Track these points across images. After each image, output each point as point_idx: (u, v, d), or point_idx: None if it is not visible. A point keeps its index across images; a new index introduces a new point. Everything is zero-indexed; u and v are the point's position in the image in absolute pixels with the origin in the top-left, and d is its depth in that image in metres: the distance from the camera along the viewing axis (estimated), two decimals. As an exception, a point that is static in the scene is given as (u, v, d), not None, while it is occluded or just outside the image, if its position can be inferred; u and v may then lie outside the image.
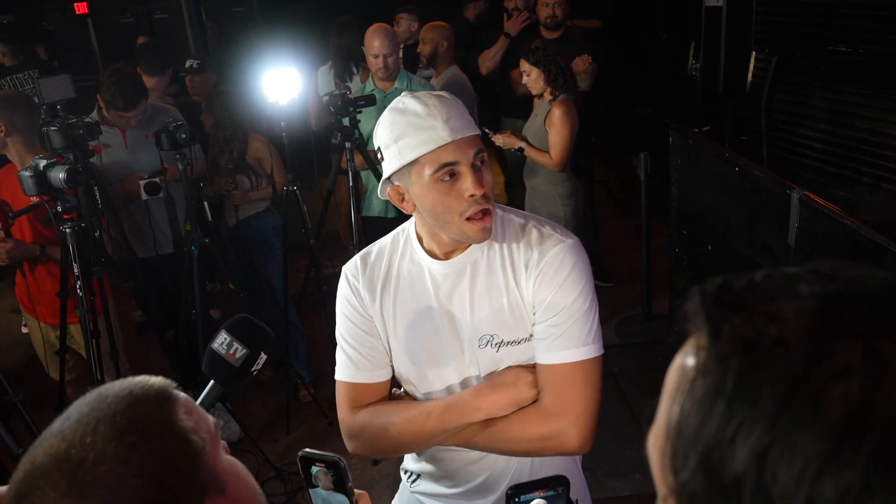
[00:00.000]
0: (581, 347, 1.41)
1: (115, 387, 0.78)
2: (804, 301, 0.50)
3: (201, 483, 0.77)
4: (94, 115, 3.44)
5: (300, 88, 3.30)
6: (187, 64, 4.44)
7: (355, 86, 4.04)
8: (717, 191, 3.19)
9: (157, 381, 0.80)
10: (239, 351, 1.17)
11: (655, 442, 0.57)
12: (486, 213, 1.38)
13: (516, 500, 1.12)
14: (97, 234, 2.84)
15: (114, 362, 2.97)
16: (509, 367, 1.46)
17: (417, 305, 1.48)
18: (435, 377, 1.50)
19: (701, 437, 0.50)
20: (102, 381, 2.92)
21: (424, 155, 1.34)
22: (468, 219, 1.38)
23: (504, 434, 1.41)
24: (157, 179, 3.20)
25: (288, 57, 3.59)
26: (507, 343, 1.44)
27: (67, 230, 2.67)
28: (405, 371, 1.53)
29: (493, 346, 1.44)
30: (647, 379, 3.82)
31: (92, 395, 0.77)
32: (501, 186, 5.98)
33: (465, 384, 1.49)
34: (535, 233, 1.45)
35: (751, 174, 2.83)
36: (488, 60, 4.80)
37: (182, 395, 0.81)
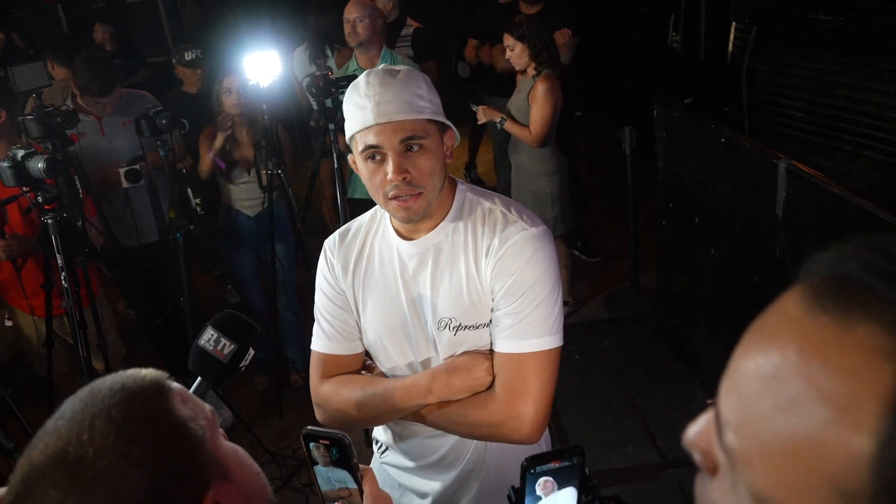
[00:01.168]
0: (537, 338, 1.40)
1: (107, 381, 0.77)
2: None
3: (204, 471, 0.77)
4: (69, 102, 3.37)
5: (280, 70, 3.25)
6: (189, 56, 4.02)
7: (333, 68, 3.99)
8: (702, 163, 3.19)
9: (148, 372, 0.79)
10: (227, 347, 1.16)
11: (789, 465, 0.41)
12: (410, 197, 1.37)
13: (532, 471, 1.11)
14: (79, 223, 2.79)
15: (102, 352, 2.94)
16: (466, 353, 1.45)
17: (385, 283, 1.50)
18: (398, 354, 1.52)
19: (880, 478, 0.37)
20: (91, 372, 2.91)
21: (355, 134, 1.38)
22: (391, 198, 1.38)
23: (456, 416, 1.42)
24: (137, 167, 3.15)
25: (267, 39, 3.52)
26: (465, 327, 1.44)
27: (49, 221, 2.62)
28: (372, 346, 1.56)
29: (452, 329, 1.44)
30: (637, 353, 3.85)
31: (84, 392, 0.76)
32: (490, 164, 5.96)
33: (425, 364, 1.50)
34: (499, 217, 1.43)
35: (737, 145, 2.83)
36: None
37: (175, 384, 0.80)
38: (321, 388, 1.54)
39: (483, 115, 3.90)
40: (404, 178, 1.35)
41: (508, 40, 3.69)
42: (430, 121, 1.37)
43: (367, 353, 1.59)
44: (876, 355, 0.38)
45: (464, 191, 1.49)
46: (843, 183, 2.39)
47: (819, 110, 4.49)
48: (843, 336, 0.40)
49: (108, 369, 3.03)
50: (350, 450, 1.16)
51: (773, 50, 4.94)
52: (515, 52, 3.70)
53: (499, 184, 5.13)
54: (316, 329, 1.57)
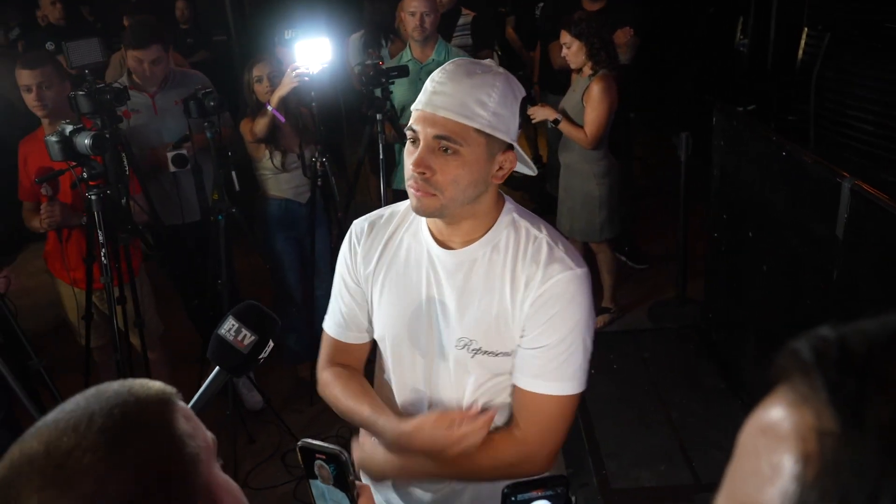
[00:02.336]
0: (567, 381, 1.36)
1: (115, 384, 0.75)
2: None
3: (193, 491, 0.73)
4: (124, 79, 3.40)
5: (331, 58, 3.21)
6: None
7: (386, 58, 3.94)
8: (761, 175, 3.05)
9: (157, 384, 0.77)
10: (248, 338, 1.13)
11: None
12: (424, 192, 1.31)
13: (513, 499, 1.05)
14: (124, 201, 2.81)
15: (138, 329, 2.96)
16: (427, 427, 1.34)
17: (407, 282, 1.44)
18: (407, 358, 1.47)
19: None
20: (127, 348, 2.94)
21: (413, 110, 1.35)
22: (410, 185, 1.33)
23: (474, 462, 1.36)
24: (183, 151, 3.17)
25: (320, 25, 3.49)
26: (485, 352, 1.39)
27: (93, 197, 2.65)
28: (381, 341, 1.52)
29: (470, 351, 1.39)
30: (679, 365, 3.73)
31: (91, 390, 0.74)
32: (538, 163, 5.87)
33: (431, 378, 1.45)
34: (545, 250, 1.37)
35: (798, 160, 2.69)
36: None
37: (182, 403, 0.78)
38: (322, 373, 1.58)
39: (538, 113, 3.82)
40: (423, 174, 1.30)
41: (565, 37, 3.59)
42: (482, 132, 1.29)
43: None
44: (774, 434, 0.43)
45: (510, 211, 1.42)
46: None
47: (891, 124, 4.28)
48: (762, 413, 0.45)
49: (144, 346, 3.06)
50: (347, 467, 1.11)
51: (845, 58, 4.72)
52: (572, 50, 3.60)
53: (549, 182, 5.03)
54: (330, 306, 1.58)
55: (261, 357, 1.15)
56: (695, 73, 6.67)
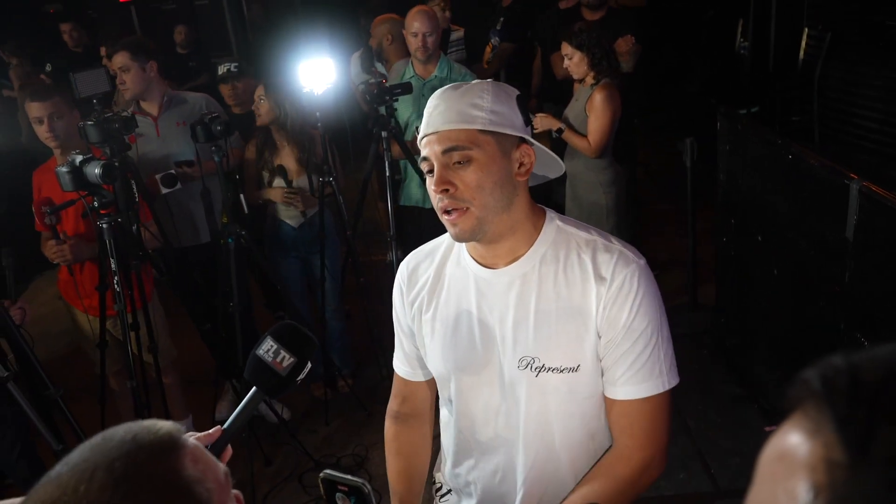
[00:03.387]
0: (657, 379, 1.33)
1: (121, 430, 0.74)
2: None
3: None
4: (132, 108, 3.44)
5: (335, 77, 3.24)
6: (221, 70, 3.76)
7: (385, 74, 3.97)
8: (767, 179, 3.05)
9: (165, 425, 0.76)
10: (287, 360, 1.12)
11: None
12: (453, 211, 1.30)
13: None
14: (134, 228, 2.84)
15: (153, 355, 2.98)
16: None
17: (458, 313, 1.41)
18: (470, 393, 1.43)
19: None
20: (142, 374, 2.95)
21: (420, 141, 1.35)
22: (443, 213, 1.32)
23: (605, 499, 1.34)
24: (172, 171, 3.20)
25: (323, 45, 3.52)
26: (549, 369, 1.34)
27: (104, 225, 2.67)
28: (439, 380, 1.51)
29: (534, 369, 1.34)
30: (693, 372, 3.71)
31: (96, 439, 0.74)
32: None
33: (500, 407, 1.41)
34: (602, 250, 1.33)
35: (805, 162, 2.69)
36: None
37: (191, 441, 0.77)
38: (387, 419, 1.64)
39: (540, 123, 3.82)
40: (446, 191, 1.28)
41: (567, 49, 3.60)
42: (486, 132, 1.28)
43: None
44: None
45: (553, 219, 1.39)
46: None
47: (894, 121, 4.26)
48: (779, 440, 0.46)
49: (159, 371, 3.08)
50: (369, 498, 1.11)
51: (847, 58, 4.71)
52: (574, 61, 3.61)
53: (554, 192, 5.03)
54: (396, 344, 1.60)
55: (299, 378, 1.14)
56: (698, 77, 6.67)
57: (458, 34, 4.82)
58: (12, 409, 2.52)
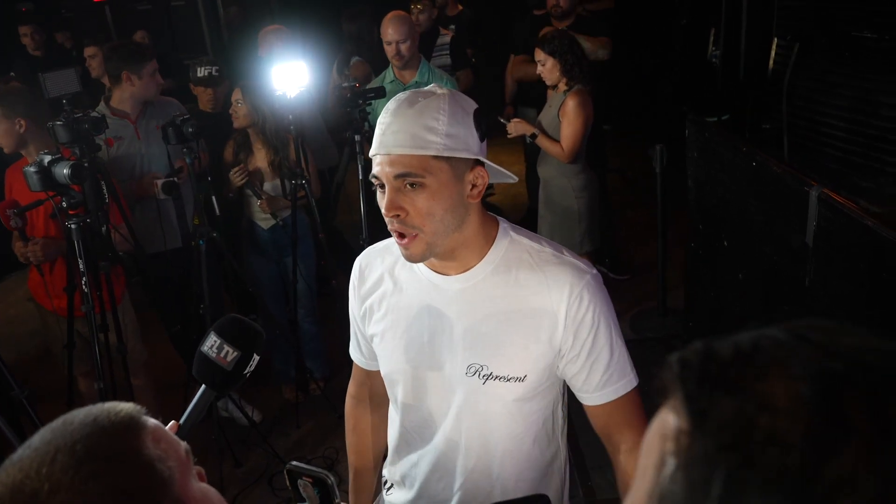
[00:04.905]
0: (629, 374, 1.40)
1: (81, 413, 0.75)
2: (799, 384, 0.44)
3: None
4: (102, 106, 3.42)
5: (308, 80, 3.25)
6: (201, 72, 3.71)
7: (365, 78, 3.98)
8: (734, 185, 3.10)
9: (125, 407, 0.77)
10: (230, 354, 1.12)
11: None
12: (403, 236, 1.30)
13: None
14: (104, 228, 2.82)
15: (121, 356, 2.96)
16: None
17: (408, 315, 1.42)
18: (417, 393, 1.45)
19: None
20: (110, 375, 2.93)
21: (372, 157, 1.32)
22: (394, 234, 1.32)
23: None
24: (174, 179, 3.18)
25: (297, 48, 3.53)
26: (496, 377, 1.35)
27: (73, 226, 2.65)
28: (386, 377, 1.51)
29: (481, 377, 1.35)
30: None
31: (57, 422, 0.75)
32: (520, 177, 5.91)
33: (445, 411, 1.43)
34: (555, 262, 1.34)
35: (768, 169, 2.75)
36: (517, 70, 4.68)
37: (152, 421, 0.78)
38: (348, 398, 1.70)
39: (514, 128, 3.86)
40: (397, 216, 1.28)
41: (540, 55, 3.64)
42: (438, 157, 1.25)
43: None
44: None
45: (507, 231, 1.39)
46: (883, 208, 2.30)
47: (862, 130, 4.34)
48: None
49: (127, 373, 3.06)
50: (332, 490, 1.13)
51: (815, 67, 4.81)
52: (547, 67, 3.65)
53: (530, 199, 5.08)
54: (351, 335, 1.62)
55: (246, 372, 1.13)
56: (671, 84, 6.75)
57: (444, 38, 4.83)
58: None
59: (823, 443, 0.42)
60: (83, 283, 2.69)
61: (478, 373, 1.36)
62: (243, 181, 3.40)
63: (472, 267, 1.36)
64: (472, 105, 1.33)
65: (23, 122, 2.89)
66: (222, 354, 1.11)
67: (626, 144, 6.50)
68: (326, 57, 4.35)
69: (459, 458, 1.44)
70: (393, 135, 1.25)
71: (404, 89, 3.59)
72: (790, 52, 4.98)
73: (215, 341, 1.12)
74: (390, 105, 1.30)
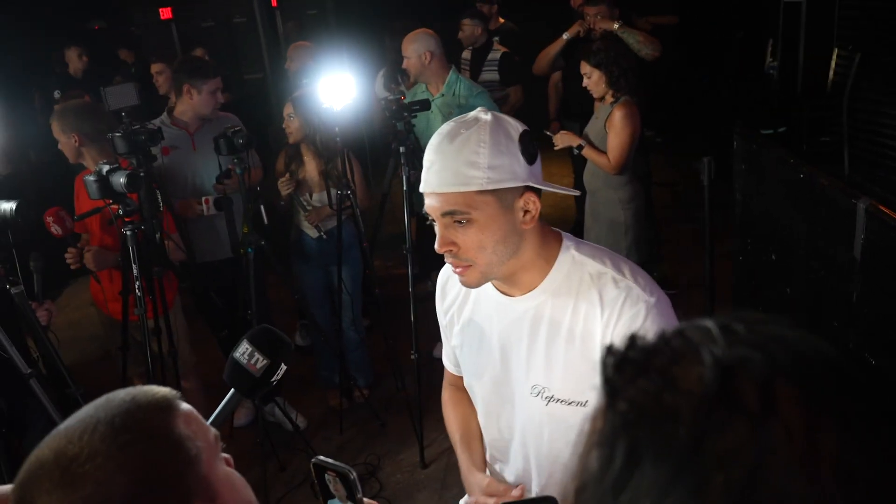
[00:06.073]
0: None
1: (122, 392, 0.83)
2: (703, 368, 0.47)
3: (189, 489, 0.81)
4: (164, 116, 3.56)
5: (355, 94, 3.32)
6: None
7: (408, 93, 4.07)
8: (781, 198, 3.04)
9: (162, 390, 0.85)
10: (260, 361, 1.17)
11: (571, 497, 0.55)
12: (461, 268, 1.33)
13: None
14: (157, 235, 2.94)
15: (172, 359, 3.07)
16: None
17: (481, 332, 1.46)
18: (492, 406, 1.50)
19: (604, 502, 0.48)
20: (162, 377, 3.05)
21: None
22: (449, 264, 1.36)
23: None
24: (226, 195, 3.32)
25: (345, 61, 3.62)
26: (558, 400, 1.35)
27: (128, 232, 2.78)
28: (469, 389, 1.56)
29: (544, 398, 1.36)
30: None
31: (102, 399, 0.83)
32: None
33: (515, 426, 1.45)
34: (611, 286, 1.31)
35: (816, 182, 2.69)
36: (541, 60, 4.70)
37: (185, 405, 0.85)
38: (444, 391, 1.72)
39: (560, 140, 3.87)
40: (449, 252, 1.31)
41: (585, 68, 3.64)
42: (482, 192, 1.24)
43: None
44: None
45: (569, 248, 1.37)
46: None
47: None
48: None
49: (178, 376, 3.17)
50: (355, 485, 1.17)
51: (876, 78, 4.67)
52: (593, 80, 3.65)
53: (578, 211, 5.05)
54: (443, 339, 1.65)
55: (273, 380, 1.19)
56: (727, 98, 6.64)
57: (495, 54, 4.87)
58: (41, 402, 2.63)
59: (711, 419, 0.45)
60: (136, 287, 2.81)
61: (540, 394, 1.36)
62: (290, 190, 3.49)
63: (534, 288, 1.37)
64: (518, 129, 1.30)
65: (76, 136, 3.06)
66: (253, 361, 1.17)
67: (678, 158, 6.41)
68: (368, 70, 4.45)
69: (533, 475, 1.47)
70: (436, 174, 1.26)
71: (433, 101, 3.66)
72: (850, 63, 4.86)
73: (247, 349, 1.18)
74: (433, 140, 1.30)
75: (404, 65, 3.70)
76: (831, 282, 2.62)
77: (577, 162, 4.72)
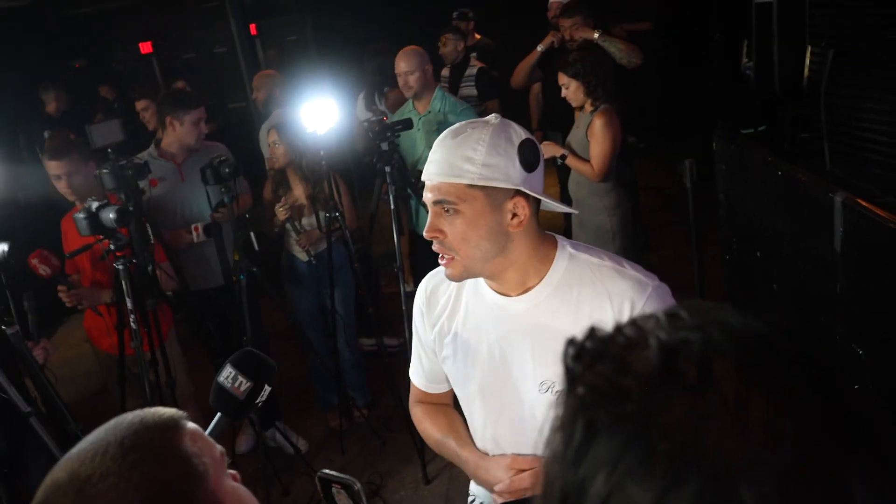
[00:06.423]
0: None
1: (130, 415, 0.87)
2: (650, 351, 0.52)
3: (199, 502, 0.83)
4: (152, 149, 3.59)
5: (338, 117, 3.37)
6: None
7: (388, 112, 4.10)
8: (762, 196, 3.09)
9: (168, 411, 0.89)
10: (243, 384, 1.19)
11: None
12: (446, 259, 1.37)
13: None
14: (149, 268, 2.97)
15: (170, 390, 3.09)
16: (505, 462, 1.46)
17: (477, 338, 1.46)
18: (494, 414, 1.49)
19: (556, 486, 0.54)
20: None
21: None
22: (438, 254, 1.39)
23: None
24: (216, 221, 3.34)
25: (327, 86, 3.67)
26: None
27: (120, 267, 2.80)
28: (465, 399, 1.56)
29: (555, 392, 1.37)
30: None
31: (111, 422, 0.86)
32: (556, 199, 5.93)
33: (519, 430, 1.45)
34: (615, 276, 1.36)
35: (793, 178, 2.74)
36: (517, 74, 4.75)
37: (191, 424, 0.88)
38: (413, 409, 1.70)
39: (545, 150, 3.91)
40: (435, 238, 1.36)
41: (563, 78, 3.70)
42: (473, 186, 1.31)
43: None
44: None
45: (565, 247, 1.42)
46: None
47: (904, 134, 4.26)
48: None
49: (177, 405, 3.17)
50: (359, 496, 1.19)
51: (851, 73, 4.74)
52: (571, 90, 3.71)
53: (565, 220, 5.09)
54: (412, 356, 1.66)
55: (258, 402, 1.22)
56: (708, 100, 6.73)
57: (472, 69, 4.93)
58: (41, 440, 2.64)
59: (656, 395, 0.50)
60: (131, 320, 2.83)
61: (550, 389, 1.38)
62: (287, 216, 3.52)
63: (532, 287, 1.40)
64: (522, 136, 1.35)
65: (93, 164, 3.06)
66: (236, 385, 1.19)
67: (664, 161, 6.47)
68: (350, 93, 4.49)
69: None
70: (434, 164, 1.35)
71: (420, 119, 3.71)
72: (825, 60, 4.93)
73: (231, 372, 1.20)
74: (441, 135, 1.38)
75: (409, 80, 3.67)
76: (815, 276, 2.66)
77: (561, 172, 4.77)
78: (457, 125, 1.38)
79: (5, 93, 7.12)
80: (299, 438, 3.72)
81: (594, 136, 3.70)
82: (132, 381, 3.22)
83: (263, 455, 3.26)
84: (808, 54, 5.18)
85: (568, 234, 4.23)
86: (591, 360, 0.55)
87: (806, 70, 5.22)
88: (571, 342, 0.58)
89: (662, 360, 0.52)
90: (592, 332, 0.58)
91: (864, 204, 2.29)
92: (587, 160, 3.76)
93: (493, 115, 1.40)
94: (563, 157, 3.83)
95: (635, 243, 4.02)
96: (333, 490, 1.21)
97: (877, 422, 0.50)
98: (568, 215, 4.34)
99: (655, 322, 0.55)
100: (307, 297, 3.73)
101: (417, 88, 3.69)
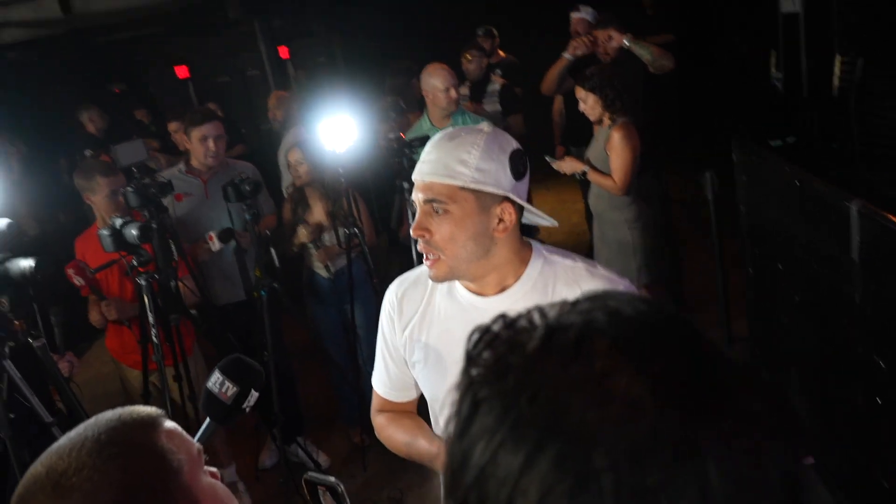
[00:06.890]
0: None
1: (109, 413, 0.90)
2: (537, 332, 0.56)
3: (172, 498, 0.87)
4: (181, 165, 3.69)
5: (357, 135, 3.42)
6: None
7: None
8: (781, 206, 3.05)
9: (147, 409, 0.92)
10: (230, 389, 1.23)
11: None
12: (428, 256, 1.39)
13: None
14: (173, 284, 3.03)
15: (192, 404, 3.14)
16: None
17: (450, 340, 1.47)
18: None
19: (447, 461, 0.57)
20: (185, 423, 3.11)
21: None
22: (423, 254, 1.41)
23: None
24: (230, 226, 3.40)
25: (348, 103, 3.72)
26: None
27: (143, 282, 2.87)
28: (434, 402, 1.56)
29: None
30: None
31: (90, 420, 0.90)
32: (581, 214, 5.91)
33: None
34: (586, 275, 1.41)
35: (810, 187, 2.70)
36: (547, 80, 4.76)
37: (169, 423, 0.92)
38: (375, 418, 1.68)
39: (567, 166, 3.91)
40: (422, 236, 1.38)
41: (580, 92, 3.71)
42: (465, 188, 1.34)
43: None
44: None
45: (540, 251, 1.47)
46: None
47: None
48: None
49: (199, 420, 3.23)
50: (343, 498, 1.21)
51: (882, 81, 4.66)
52: (588, 104, 3.71)
53: (591, 235, 5.07)
54: (376, 364, 1.66)
55: (245, 406, 1.25)
56: (734, 112, 6.66)
57: (494, 86, 4.96)
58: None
59: (534, 369, 0.53)
60: (153, 335, 2.89)
61: None
62: (312, 239, 3.57)
63: (509, 287, 1.44)
64: (512, 145, 1.40)
65: (122, 176, 3.16)
66: (223, 390, 1.23)
67: (687, 173, 6.41)
68: (379, 111, 4.55)
69: None
70: (428, 164, 1.38)
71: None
72: (854, 70, 4.86)
73: (218, 378, 1.24)
74: (435, 137, 1.42)
75: (452, 94, 3.69)
76: (835, 285, 2.62)
77: (584, 187, 4.76)
78: (452, 130, 1.42)
79: (48, 116, 7.38)
80: (320, 454, 3.75)
81: (613, 150, 3.70)
82: (156, 395, 3.29)
83: (286, 470, 3.29)
84: (837, 64, 5.11)
85: (590, 252, 4.22)
86: (487, 343, 0.58)
87: (835, 80, 5.15)
88: (477, 328, 0.60)
89: (545, 338, 0.54)
90: (499, 318, 0.60)
91: (880, 212, 2.25)
92: (608, 174, 3.75)
93: (485, 123, 1.46)
94: (584, 172, 3.83)
95: (659, 262, 3.95)
96: (319, 492, 1.23)
97: (741, 397, 0.52)
98: (591, 231, 4.33)
99: (559, 308, 0.58)
100: (329, 312, 3.77)
101: (449, 104, 3.71)
